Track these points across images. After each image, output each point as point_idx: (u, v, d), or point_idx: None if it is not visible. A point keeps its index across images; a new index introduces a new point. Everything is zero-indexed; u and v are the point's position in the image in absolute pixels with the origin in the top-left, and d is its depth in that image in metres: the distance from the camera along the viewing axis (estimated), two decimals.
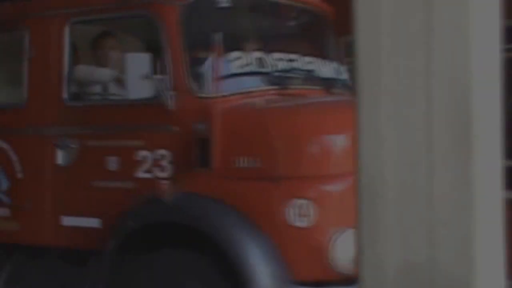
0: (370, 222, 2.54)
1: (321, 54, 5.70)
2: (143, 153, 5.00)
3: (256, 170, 4.63)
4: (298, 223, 4.50)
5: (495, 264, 2.47)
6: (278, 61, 5.31)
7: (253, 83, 5.14)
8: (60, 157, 5.31)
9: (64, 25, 5.37)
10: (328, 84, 5.50)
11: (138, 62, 4.93)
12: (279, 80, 5.23)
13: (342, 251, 4.40)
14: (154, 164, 4.96)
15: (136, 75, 4.90)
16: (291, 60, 5.40)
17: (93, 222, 5.17)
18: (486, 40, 2.42)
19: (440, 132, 2.40)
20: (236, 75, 5.03)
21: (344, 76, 5.66)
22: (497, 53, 2.44)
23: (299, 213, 4.49)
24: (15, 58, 5.71)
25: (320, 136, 4.68)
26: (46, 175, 5.41)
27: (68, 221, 5.29)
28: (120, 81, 5.24)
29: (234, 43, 5.12)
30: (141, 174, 5.01)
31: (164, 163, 4.92)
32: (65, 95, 5.34)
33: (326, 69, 5.59)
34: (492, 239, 2.47)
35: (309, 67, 5.49)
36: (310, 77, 5.46)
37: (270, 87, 5.17)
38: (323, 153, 4.62)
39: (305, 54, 5.54)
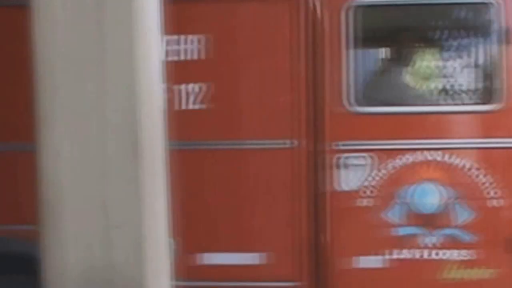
0: (53, 229, 2.73)
1: None
2: None
3: None
4: None
5: (163, 263, 2.78)
6: None
7: None
8: None
9: None
10: None
11: None
12: None
13: None
14: None
15: None
16: None
17: None
18: (151, 68, 2.74)
19: (112, 146, 2.65)
20: None
21: None
22: (160, 80, 2.80)
23: None
24: None
25: None
26: None
27: None
28: None
29: None
30: None
31: None
32: None
33: None
34: (160, 240, 2.77)
35: None
36: None
37: None
38: None
39: None
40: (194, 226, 4.22)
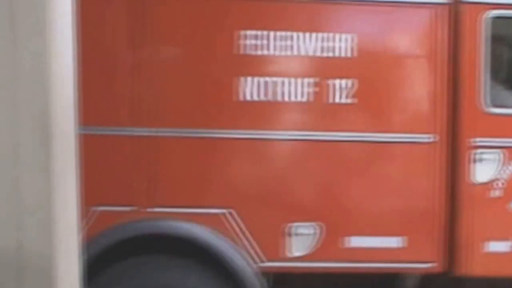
0: None
1: None
2: None
3: None
4: None
5: (72, 243, 2.93)
6: None
7: None
8: None
9: None
10: None
11: None
12: None
13: None
14: None
15: None
16: None
17: None
18: (64, 59, 2.86)
19: (25, 135, 2.78)
20: None
21: None
22: (72, 70, 2.91)
23: None
24: None
25: None
26: None
27: None
28: None
29: None
30: None
31: None
32: None
33: None
34: (70, 223, 2.91)
35: None
36: None
37: None
38: None
39: None
40: (342, 212, 4.63)
